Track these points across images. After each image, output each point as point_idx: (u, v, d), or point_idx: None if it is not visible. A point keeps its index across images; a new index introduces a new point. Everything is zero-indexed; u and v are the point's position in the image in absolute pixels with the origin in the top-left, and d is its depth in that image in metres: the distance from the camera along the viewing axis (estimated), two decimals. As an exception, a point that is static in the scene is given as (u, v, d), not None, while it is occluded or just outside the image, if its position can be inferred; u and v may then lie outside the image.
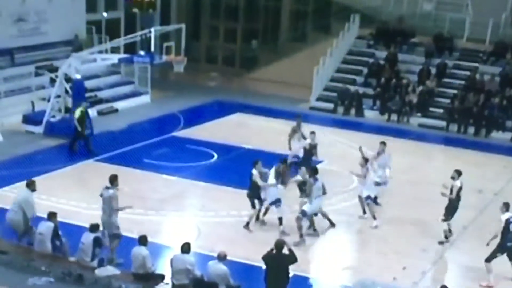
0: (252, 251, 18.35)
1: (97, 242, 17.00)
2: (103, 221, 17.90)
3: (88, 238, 17.06)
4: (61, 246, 17.51)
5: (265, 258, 15.61)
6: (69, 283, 16.94)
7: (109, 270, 16.82)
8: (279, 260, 15.50)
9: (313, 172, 20.57)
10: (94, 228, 17.16)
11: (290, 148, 25.43)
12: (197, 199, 23.11)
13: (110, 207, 17.78)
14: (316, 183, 20.13)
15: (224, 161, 27.04)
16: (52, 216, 17.57)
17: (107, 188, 17.97)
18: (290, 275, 15.87)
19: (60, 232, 17.61)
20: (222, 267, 15.69)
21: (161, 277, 16.68)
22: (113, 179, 18.05)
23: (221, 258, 15.84)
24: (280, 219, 20.56)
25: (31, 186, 18.64)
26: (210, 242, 19.66)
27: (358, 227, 21.70)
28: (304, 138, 25.49)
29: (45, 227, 17.39)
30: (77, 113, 26.68)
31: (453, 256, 20.19)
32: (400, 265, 19.04)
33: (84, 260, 17.03)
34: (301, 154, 25.10)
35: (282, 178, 20.85)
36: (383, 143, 23.38)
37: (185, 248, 16.12)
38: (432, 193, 23.51)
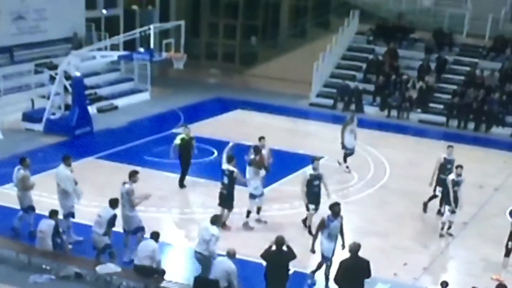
0: (253, 248, 18.34)
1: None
2: (123, 216, 18.04)
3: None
4: (62, 243, 17.53)
5: (264, 255, 15.60)
6: (70, 280, 16.99)
7: (110, 268, 16.83)
8: (278, 257, 15.47)
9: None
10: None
11: (342, 142, 25.73)
12: (197, 196, 23.11)
13: (127, 202, 17.92)
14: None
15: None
16: (53, 214, 17.61)
17: (124, 183, 18.12)
18: (291, 271, 15.88)
19: (61, 230, 17.64)
20: (230, 264, 15.54)
21: (162, 273, 16.69)
22: (132, 175, 18.26)
23: (231, 255, 15.70)
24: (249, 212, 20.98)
25: (66, 161, 18.98)
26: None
27: (358, 223, 21.70)
28: (355, 134, 25.93)
29: (46, 225, 17.41)
30: (177, 140, 23.66)
31: (454, 252, 20.21)
32: (401, 261, 19.06)
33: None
34: (350, 145, 25.75)
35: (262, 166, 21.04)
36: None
37: (213, 220, 16.54)
38: (432, 188, 23.58)
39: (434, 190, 22.30)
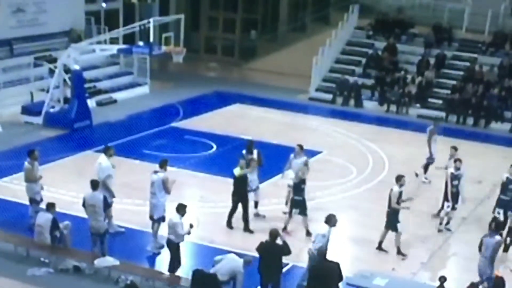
0: (251, 242, 18.35)
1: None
2: (153, 204, 18.32)
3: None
4: (61, 237, 17.50)
5: (258, 247, 15.66)
6: (68, 273, 17.00)
7: (109, 261, 16.85)
8: (272, 250, 15.51)
9: None
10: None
11: (430, 151, 24.99)
12: (196, 190, 23.12)
13: (160, 190, 18.21)
14: None
15: (223, 152, 27.06)
16: (50, 207, 17.56)
17: (156, 172, 18.35)
18: (289, 266, 15.89)
19: (61, 224, 17.60)
20: (240, 266, 15.58)
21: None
22: (163, 164, 18.52)
23: (247, 262, 15.68)
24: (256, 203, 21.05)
25: (107, 152, 19.37)
26: (209, 233, 19.70)
27: (357, 218, 21.73)
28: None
29: (44, 219, 17.39)
30: (236, 171, 20.30)
31: (452, 247, 20.23)
32: (399, 255, 19.07)
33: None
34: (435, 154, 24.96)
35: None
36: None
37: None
38: (431, 183, 23.62)
39: (494, 212, 20.71)
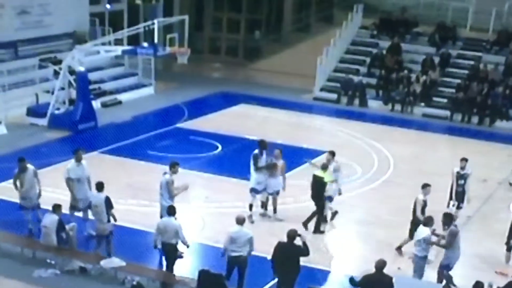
0: (257, 242, 18.34)
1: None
2: (161, 205, 18.32)
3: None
4: (67, 238, 17.54)
5: (275, 247, 15.54)
6: (74, 275, 17.04)
7: (115, 262, 16.88)
8: (289, 250, 15.36)
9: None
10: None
11: None
12: (201, 190, 23.11)
13: (166, 192, 18.23)
14: None
15: (228, 152, 27.08)
16: (56, 208, 17.60)
17: (165, 173, 18.39)
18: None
19: (66, 226, 17.64)
20: (249, 232, 16.00)
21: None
22: (172, 166, 18.54)
23: (241, 221, 15.97)
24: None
25: (75, 157, 19.59)
26: (215, 233, 19.70)
27: (362, 217, 21.73)
28: None
29: (50, 220, 17.42)
30: (327, 176, 20.20)
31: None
32: (406, 254, 19.05)
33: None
34: None
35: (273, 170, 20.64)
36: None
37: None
38: (436, 182, 23.53)
39: None
